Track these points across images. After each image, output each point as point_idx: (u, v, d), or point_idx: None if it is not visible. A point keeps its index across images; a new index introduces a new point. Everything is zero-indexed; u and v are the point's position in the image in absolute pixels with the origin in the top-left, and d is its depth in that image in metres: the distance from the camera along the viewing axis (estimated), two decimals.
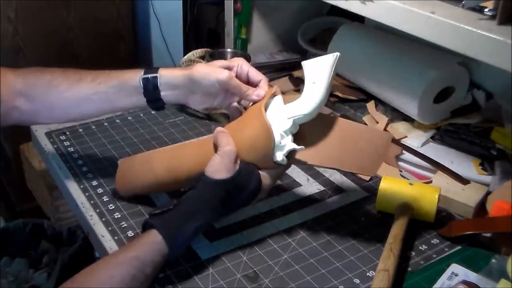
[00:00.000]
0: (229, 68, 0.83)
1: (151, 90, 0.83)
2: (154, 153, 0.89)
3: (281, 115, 0.78)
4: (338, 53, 0.79)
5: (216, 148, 0.78)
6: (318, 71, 0.79)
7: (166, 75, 0.83)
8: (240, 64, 0.83)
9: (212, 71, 0.81)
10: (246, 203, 0.79)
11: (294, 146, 0.77)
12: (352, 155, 0.80)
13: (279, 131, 0.77)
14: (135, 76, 0.84)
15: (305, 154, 0.80)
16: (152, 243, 0.69)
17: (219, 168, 0.75)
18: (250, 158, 0.78)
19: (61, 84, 0.84)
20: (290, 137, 0.78)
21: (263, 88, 0.82)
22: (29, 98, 0.83)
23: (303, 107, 0.78)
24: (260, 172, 0.78)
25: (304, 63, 0.81)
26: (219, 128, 0.79)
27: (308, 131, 0.80)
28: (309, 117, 0.78)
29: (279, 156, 0.77)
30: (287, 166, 0.81)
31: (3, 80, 0.83)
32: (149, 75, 0.82)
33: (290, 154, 0.79)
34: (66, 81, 0.84)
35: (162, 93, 0.83)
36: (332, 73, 0.78)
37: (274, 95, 0.82)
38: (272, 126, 0.76)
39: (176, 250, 0.72)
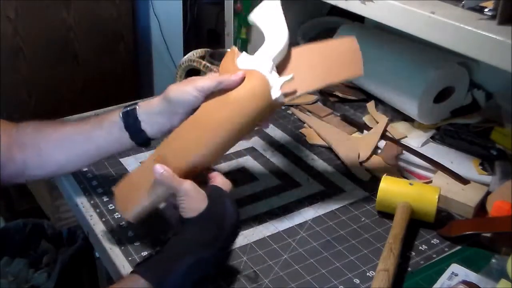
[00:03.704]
0: None
1: (131, 122, 0.79)
2: (147, 161, 0.81)
3: (257, 60, 0.79)
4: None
5: (173, 193, 0.73)
6: (271, 13, 0.83)
7: (144, 105, 0.80)
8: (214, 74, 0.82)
9: (186, 84, 0.79)
10: (236, 222, 0.73)
11: (284, 78, 0.78)
12: (331, 68, 0.83)
13: (265, 71, 0.78)
14: (115, 112, 0.81)
15: (291, 86, 0.80)
16: (135, 284, 0.65)
17: (190, 207, 0.71)
18: (252, 107, 0.76)
19: (47, 127, 0.83)
20: (276, 74, 0.79)
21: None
22: (20, 145, 0.81)
23: (275, 46, 0.81)
24: (219, 184, 0.75)
25: (251, 16, 0.85)
26: (157, 170, 0.72)
27: (284, 67, 0.82)
28: (282, 54, 0.81)
29: (276, 92, 0.78)
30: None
31: (3, 131, 0.81)
32: (128, 108, 0.80)
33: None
34: (51, 125, 0.84)
35: (143, 124, 0.79)
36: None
37: (237, 54, 0.82)
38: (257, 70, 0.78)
39: None
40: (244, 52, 0.82)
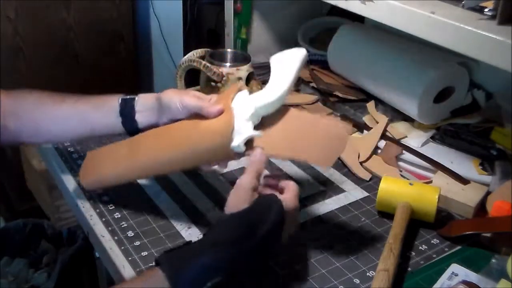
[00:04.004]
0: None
1: (127, 110, 0.85)
2: (121, 142, 0.88)
3: (245, 103, 0.78)
4: (305, 51, 0.81)
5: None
6: (286, 64, 0.80)
7: (143, 97, 0.86)
8: (211, 99, 0.84)
9: (178, 93, 0.83)
10: (273, 236, 0.69)
11: (253, 132, 0.77)
12: (308, 145, 0.79)
13: (240, 117, 0.77)
14: (115, 97, 0.87)
15: (259, 142, 0.79)
16: (150, 276, 0.63)
17: (234, 203, 0.70)
18: (207, 143, 0.77)
19: (46, 103, 0.87)
20: (250, 124, 0.77)
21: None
22: (16, 116, 0.85)
23: (267, 96, 0.79)
24: (281, 197, 0.72)
25: (272, 58, 0.82)
26: (257, 154, 0.75)
27: (267, 123, 0.80)
28: (271, 107, 0.79)
29: (237, 141, 0.76)
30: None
31: None
32: (128, 96, 0.86)
33: (248, 144, 0.77)
34: (50, 101, 0.88)
35: (137, 115, 0.85)
36: (299, 68, 0.80)
37: (239, 90, 0.82)
38: (235, 112, 0.77)
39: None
40: (245, 90, 0.82)
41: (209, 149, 0.77)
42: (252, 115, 0.77)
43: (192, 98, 0.81)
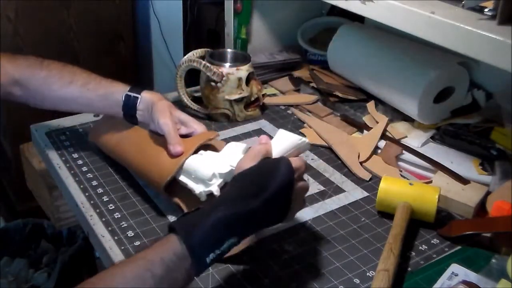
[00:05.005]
0: (183, 123, 0.92)
1: (129, 107, 0.93)
2: (130, 129, 0.97)
3: (230, 159, 0.82)
4: (308, 142, 0.80)
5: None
6: (283, 143, 0.78)
7: (145, 97, 0.93)
8: (196, 132, 0.92)
9: (161, 113, 0.89)
10: (283, 193, 0.69)
11: (216, 191, 0.81)
12: None
13: (214, 170, 0.81)
14: (121, 91, 0.93)
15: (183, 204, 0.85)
16: (164, 242, 0.63)
17: (244, 164, 0.72)
18: (152, 171, 0.87)
19: (54, 83, 0.93)
20: (220, 181, 0.81)
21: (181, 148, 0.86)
22: (23, 87, 0.93)
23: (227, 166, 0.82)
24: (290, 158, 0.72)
25: (280, 131, 0.80)
26: (262, 139, 0.77)
27: None
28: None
29: (199, 189, 0.82)
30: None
31: (1, 70, 0.92)
32: (132, 94, 0.93)
33: (211, 197, 0.82)
34: (59, 82, 0.94)
35: (138, 112, 0.93)
36: (291, 151, 0.78)
37: (211, 139, 0.89)
38: (215, 165, 0.82)
39: (195, 248, 0.62)
40: (245, 145, 0.84)
41: (150, 178, 0.87)
42: (226, 174, 0.81)
43: (165, 126, 0.87)
